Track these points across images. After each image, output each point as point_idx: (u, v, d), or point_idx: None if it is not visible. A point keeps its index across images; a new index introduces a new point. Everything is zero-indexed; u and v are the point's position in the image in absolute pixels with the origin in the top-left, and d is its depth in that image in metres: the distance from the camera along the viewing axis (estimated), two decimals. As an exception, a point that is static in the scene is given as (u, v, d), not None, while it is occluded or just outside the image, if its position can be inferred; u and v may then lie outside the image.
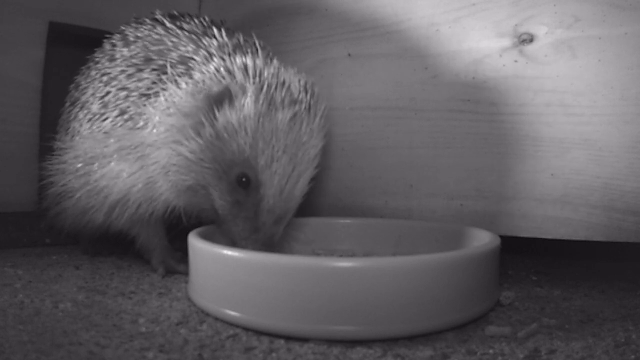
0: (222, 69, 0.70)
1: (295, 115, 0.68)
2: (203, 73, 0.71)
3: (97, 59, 0.85)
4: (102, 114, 0.78)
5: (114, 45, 0.83)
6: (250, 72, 0.69)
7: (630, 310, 0.67)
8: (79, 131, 0.81)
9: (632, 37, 0.69)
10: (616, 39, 0.70)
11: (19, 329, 0.56)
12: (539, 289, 0.77)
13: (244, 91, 0.68)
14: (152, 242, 0.83)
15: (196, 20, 0.82)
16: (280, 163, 0.67)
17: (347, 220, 0.87)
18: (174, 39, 0.77)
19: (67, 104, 0.89)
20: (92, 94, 0.81)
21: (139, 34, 0.81)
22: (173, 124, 0.70)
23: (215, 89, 0.68)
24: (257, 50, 0.76)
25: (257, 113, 0.67)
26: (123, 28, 0.85)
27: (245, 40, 0.79)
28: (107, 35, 0.86)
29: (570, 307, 0.69)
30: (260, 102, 0.67)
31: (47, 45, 0.99)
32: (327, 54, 0.94)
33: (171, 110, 0.70)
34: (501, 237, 0.68)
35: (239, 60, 0.70)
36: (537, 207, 0.76)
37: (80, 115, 0.82)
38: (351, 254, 0.84)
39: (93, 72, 0.83)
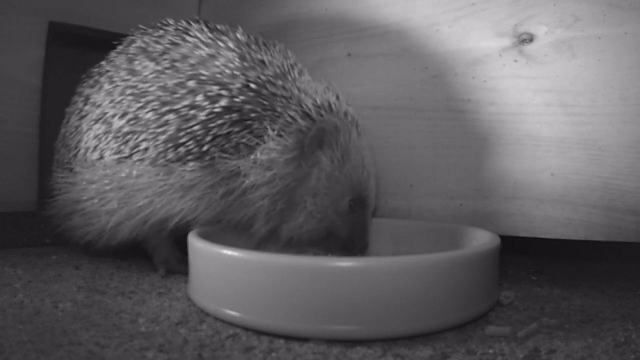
0: (299, 110, 0.71)
1: (359, 132, 0.76)
2: (286, 116, 0.71)
3: (109, 71, 0.79)
4: (135, 133, 0.73)
5: (132, 58, 0.77)
6: (326, 107, 0.73)
7: (630, 310, 0.67)
8: (97, 147, 0.76)
9: (632, 37, 0.69)
10: (616, 39, 0.70)
11: (19, 329, 0.56)
12: (539, 289, 0.77)
13: (336, 127, 0.72)
14: (159, 242, 0.82)
15: (234, 35, 0.78)
16: (372, 176, 0.76)
17: (347, 220, 0.87)
18: (229, 63, 0.72)
19: (75, 117, 0.82)
20: (113, 107, 0.75)
21: (167, 45, 0.76)
22: (276, 176, 0.70)
23: (311, 133, 0.70)
24: (300, 70, 0.79)
25: (350, 144, 0.73)
26: (134, 38, 0.80)
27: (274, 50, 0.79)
28: (115, 43, 0.81)
29: (570, 307, 0.69)
30: (351, 132, 0.73)
31: (47, 45, 0.99)
32: (327, 54, 0.94)
33: (270, 164, 0.70)
34: (501, 237, 0.68)
35: (316, 98, 0.73)
36: (537, 207, 0.76)
37: (100, 131, 0.76)
38: (351, 254, 0.84)
39: (107, 86, 0.77)
